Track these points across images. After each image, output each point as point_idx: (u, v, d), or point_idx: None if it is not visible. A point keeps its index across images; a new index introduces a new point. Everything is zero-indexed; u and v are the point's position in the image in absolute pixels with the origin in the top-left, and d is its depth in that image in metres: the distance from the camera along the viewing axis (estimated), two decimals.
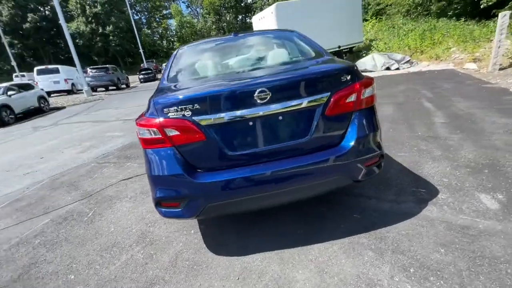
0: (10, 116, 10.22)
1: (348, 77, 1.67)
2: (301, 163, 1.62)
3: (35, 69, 15.35)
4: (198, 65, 2.19)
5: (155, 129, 1.55)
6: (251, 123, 1.58)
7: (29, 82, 13.21)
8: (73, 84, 15.90)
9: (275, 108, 1.56)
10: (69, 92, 16.13)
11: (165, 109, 1.54)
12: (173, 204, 1.63)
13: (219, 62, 2.28)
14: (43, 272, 1.94)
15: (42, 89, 12.82)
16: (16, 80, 20.21)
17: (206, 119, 1.54)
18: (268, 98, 1.53)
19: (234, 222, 2.18)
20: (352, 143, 1.67)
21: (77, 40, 37.14)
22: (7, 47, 26.64)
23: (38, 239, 2.34)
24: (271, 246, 1.87)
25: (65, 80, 15.48)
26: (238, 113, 1.54)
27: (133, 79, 26.09)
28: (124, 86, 18.85)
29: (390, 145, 3.17)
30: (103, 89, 17.25)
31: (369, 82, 1.74)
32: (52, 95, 16.31)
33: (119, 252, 2.04)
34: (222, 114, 1.54)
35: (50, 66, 15.77)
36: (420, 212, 1.99)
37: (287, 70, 1.89)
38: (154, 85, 17.56)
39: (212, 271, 1.73)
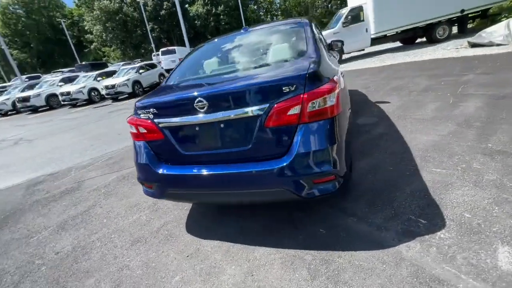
0: (139, 90, 13.46)
1: (292, 88, 1.53)
2: (241, 169, 1.68)
3: (160, 50, 19.24)
4: (188, 69, 2.42)
5: (133, 126, 1.96)
6: (197, 129, 1.75)
7: (153, 62, 16.74)
8: None
9: (214, 117, 1.65)
10: None
11: (138, 110, 1.91)
12: (148, 186, 2.05)
13: (205, 65, 2.44)
14: (95, 213, 2.85)
15: (162, 67, 16.05)
16: (154, 59, 25.67)
17: (163, 122, 1.81)
18: (205, 107, 1.64)
19: (220, 210, 2.44)
20: (293, 158, 1.57)
21: (196, 22, 42.96)
22: (149, 32, 34.09)
23: (103, 190, 3.36)
24: (230, 238, 2.05)
25: (179, 59, 18.69)
26: (185, 119, 1.73)
27: None
28: None
29: (431, 156, 2.54)
30: None
31: (321, 92, 1.53)
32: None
33: (135, 211, 2.71)
34: (173, 119, 1.77)
35: (170, 48, 19.33)
36: (395, 246, 1.67)
37: (237, 78, 1.94)
38: None
39: (176, 244, 2.11)
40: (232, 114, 1.62)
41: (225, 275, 1.73)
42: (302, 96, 1.52)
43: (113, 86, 12.62)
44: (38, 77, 22.23)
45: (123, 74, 13.71)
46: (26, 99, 13.82)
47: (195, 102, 1.65)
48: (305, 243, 1.84)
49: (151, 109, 1.82)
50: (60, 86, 14.63)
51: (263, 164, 1.66)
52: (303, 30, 2.29)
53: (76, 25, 51.23)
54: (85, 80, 14.08)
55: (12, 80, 25.67)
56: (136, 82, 13.24)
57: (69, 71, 22.46)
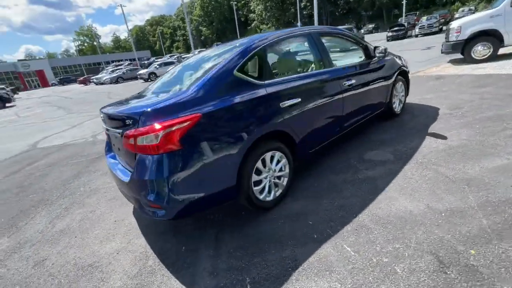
0: None
1: (130, 122, 1.72)
2: (121, 174, 2.08)
3: None
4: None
5: None
6: (109, 135, 2.27)
7: None
8: None
9: (109, 129, 2.11)
10: None
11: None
12: None
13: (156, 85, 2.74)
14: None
15: None
16: None
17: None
18: (105, 122, 2.11)
19: None
20: (129, 178, 1.83)
21: None
22: (298, 11, 35.22)
23: None
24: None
25: None
26: (104, 126, 2.28)
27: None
28: None
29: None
30: None
31: (144, 131, 1.63)
32: None
33: None
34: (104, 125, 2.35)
35: None
36: None
37: (130, 102, 2.24)
38: (394, 45, 16.05)
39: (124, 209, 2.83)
40: (113, 131, 2.02)
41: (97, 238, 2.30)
42: (134, 130, 1.70)
43: None
44: None
45: None
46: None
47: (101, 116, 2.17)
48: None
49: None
50: None
51: (125, 174, 2.00)
52: (228, 57, 2.15)
53: (246, 5, 59.93)
54: None
55: (191, 52, 34.10)
56: None
57: None
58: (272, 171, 2.26)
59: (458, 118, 3.54)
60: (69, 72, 48.19)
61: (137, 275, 1.87)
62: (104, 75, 28.44)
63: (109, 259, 2.08)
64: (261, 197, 2.20)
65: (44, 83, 45.67)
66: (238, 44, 2.38)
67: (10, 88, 23.78)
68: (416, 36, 22.74)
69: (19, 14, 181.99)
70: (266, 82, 2.18)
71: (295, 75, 2.44)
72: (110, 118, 2.03)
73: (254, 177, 2.12)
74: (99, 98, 15.02)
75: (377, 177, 2.53)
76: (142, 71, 22.43)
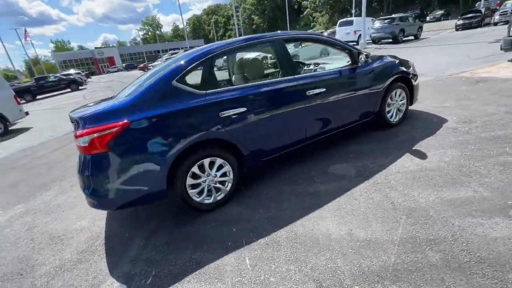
0: None
1: (77, 125, 2.01)
2: None
3: (339, 21, 18.48)
4: None
5: None
6: None
7: None
8: (359, 36, 17.32)
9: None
10: (357, 43, 17.94)
11: None
12: None
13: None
14: None
15: None
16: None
17: None
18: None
19: None
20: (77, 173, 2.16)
21: None
22: None
23: None
24: None
25: (354, 31, 17.26)
26: None
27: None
28: (413, 38, 16.81)
29: None
30: (389, 41, 16.83)
31: (80, 134, 1.90)
32: None
33: None
34: None
35: (349, 18, 18.05)
36: None
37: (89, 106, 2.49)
38: (460, 36, 13.89)
39: None
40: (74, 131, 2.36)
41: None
42: (76, 132, 2.00)
43: None
44: None
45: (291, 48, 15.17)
46: None
47: None
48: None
49: None
50: None
51: None
52: (171, 67, 2.27)
53: None
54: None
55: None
56: (293, 56, 14.33)
57: None
58: (212, 176, 2.39)
59: (459, 135, 3.09)
60: (134, 59, 53.77)
61: (83, 251, 2.25)
62: (159, 62, 31.01)
63: (73, 234, 2.52)
64: (198, 199, 2.37)
65: None
66: (187, 54, 2.50)
67: (85, 73, 27.77)
68: (495, 24, 19.11)
69: (101, 6, 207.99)
70: (208, 91, 2.29)
71: (241, 85, 2.48)
72: (71, 120, 2.36)
73: (191, 181, 2.29)
74: None
75: (325, 192, 2.45)
76: None
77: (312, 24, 52.28)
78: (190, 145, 2.18)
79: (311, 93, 2.72)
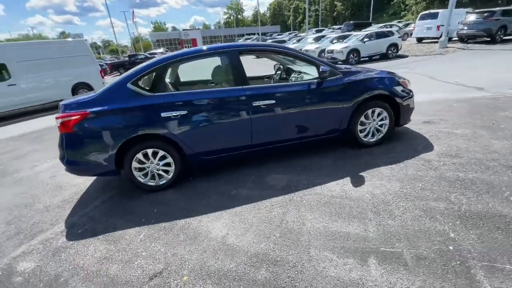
0: (354, 59, 13.52)
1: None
2: None
3: (420, 14, 15.90)
4: None
5: None
6: None
7: (392, 29, 14.76)
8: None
9: None
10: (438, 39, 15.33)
11: None
12: None
13: None
14: None
15: (399, 37, 14.06)
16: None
17: None
18: None
19: None
20: None
21: None
22: None
23: None
24: None
25: (438, 26, 14.70)
26: None
27: None
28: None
29: None
30: (483, 40, 13.80)
31: (58, 117, 2.61)
32: (423, 41, 16.65)
33: None
34: None
35: (434, 11, 15.32)
36: None
37: None
38: None
39: None
40: None
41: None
42: (58, 115, 2.74)
43: (331, 52, 13.84)
44: (321, 31, 27.49)
45: (353, 40, 14.14)
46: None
47: None
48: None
49: None
50: (333, 43, 16.61)
51: None
52: (131, 71, 2.76)
53: None
54: (350, 40, 14.47)
55: (307, 31, 32.99)
56: (354, 51, 13.35)
57: (338, 28, 25.45)
58: (155, 164, 2.89)
59: (423, 169, 2.77)
60: (212, 42, 58.04)
61: (65, 200, 3.10)
62: None
63: (70, 187, 3.42)
64: (142, 180, 2.92)
65: None
66: (149, 61, 2.97)
67: (167, 52, 31.72)
68: None
69: None
70: (156, 94, 2.74)
71: (185, 91, 2.83)
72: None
73: (136, 165, 2.85)
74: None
75: (244, 197, 2.68)
76: None
77: (402, 13, 45.98)
78: (134, 136, 2.71)
79: (258, 103, 2.88)
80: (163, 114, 2.72)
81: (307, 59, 3.13)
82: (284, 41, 22.99)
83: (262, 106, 2.90)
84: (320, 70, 2.93)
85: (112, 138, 2.68)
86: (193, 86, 3.39)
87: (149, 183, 2.96)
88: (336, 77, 3.10)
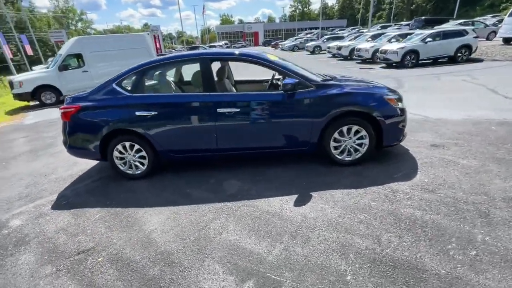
0: (411, 61, 12.02)
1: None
2: None
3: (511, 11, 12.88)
4: None
5: None
6: None
7: (465, 28, 12.40)
8: None
9: None
10: None
11: None
12: None
13: None
14: None
15: (474, 37, 11.87)
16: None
17: None
18: None
19: None
20: None
21: None
22: None
23: None
24: None
25: None
26: None
27: None
28: None
29: None
30: None
31: (61, 108, 3.19)
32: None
33: None
34: None
35: None
36: None
37: None
38: None
39: None
40: None
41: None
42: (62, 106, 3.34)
43: (384, 52, 12.59)
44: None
45: (414, 39, 12.57)
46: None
47: None
48: None
49: None
50: (391, 42, 14.12)
51: None
52: (117, 73, 3.14)
53: None
54: (410, 39, 12.55)
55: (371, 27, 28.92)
56: (412, 52, 11.88)
57: (406, 25, 22.56)
58: (132, 156, 3.29)
59: (381, 200, 2.48)
60: (274, 36, 58.15)
61: (70, 175, 3.78)
62: (287, 42, 32.48)
63: (81, 163, 4.14)
64: (122, 168, 3.37)
65: (256, 43, 58.49)
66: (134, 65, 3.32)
67: (226, 46, 33.30)
68: None
69: None
70: (133, 95, 3.11)
71: (156, 94, 3.13)
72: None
73: (117, 154, 3.29)
74: None
75: (186, 197, 2.87)
76: (309, 44, 23.81)
77: (503, 5, 38.02)
78: (113, 129, 3.14)
79: (222, 111, 2.98)
80: (137, 113, 3.07)
81: (276, 69, 3.07)
82: (342, 37, 21.64)
83: (227, 113, 3.00)
84: (283, 82, 2.85)
85: (97, 130, 3.16)
86: (185, 88, 3.68)
87: (128, 172, 3.39)
88: (308, 90, 2.96)
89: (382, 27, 25.14)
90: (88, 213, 2.80)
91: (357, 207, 2.41)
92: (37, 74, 10.80)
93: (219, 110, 3.00)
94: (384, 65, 13.05)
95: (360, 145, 3.10)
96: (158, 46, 29.05)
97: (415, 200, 2.45)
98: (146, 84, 3.35)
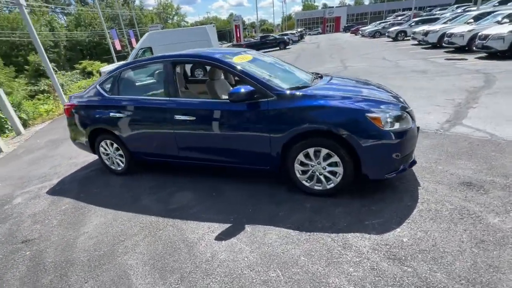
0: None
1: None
2: None
3: None
4: None
5: None
6: None
7: None
8: None
9: None
10: None
11: None
12: None
13: None
14: None
15: None
16: None
17: None
18: None
19: None
20: None
21: None
22: None
23: None
24: None
25: None
26: None
27: None
28: None
29: None
30: None
31: (65, 105, 3.62)
32: None
33: None
34: None
35: None
36: None
37: None
38: None
39: None
40: None
41: None
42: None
43: (485, 38, 9.65)
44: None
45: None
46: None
47: None
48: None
49: None
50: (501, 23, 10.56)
51: None
52: (104, 76, 3.25)
53: None
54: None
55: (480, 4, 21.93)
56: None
57: None
58: (112, 153, 3.50)
59: (335, 264, 1.85)
60: (359, 20, 52.21)
61: (72, 164, 4.33)
62: (369, 28, 28.83)
63: (82, 156, 4.69)
64: (107, 163, 3.64)
65: (337, 29, 54.00)
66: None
67: (298, 35, 32.04)
68: None
69: None
70: (111, 96, 3.24)
71: (124, 96, 3.15)
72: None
73: (103, 150, 3.56)
74: (330, 52, 16.65)
75: (137, 203, 2.84)
76: (391, 29, 20.33)
77: None
78: (96, 128, 3.38)
79: (178, 118, 2.79)
80: (111, 114, 3.20)
81: (235, 74, 2.61)
82: (435, 20, 17.60)
83: (184, 121, 2.79)
84: (230, 91, 2.40)
85: (85, 127, 3.48)
86: (132, 92, 3.62)
87: (112, 167, 3.64)
88: (267, 100, 2.44)
89: (500, 3, 19.12)
90: (60, 203, 3.13)
91: (279, 259, 1.88)
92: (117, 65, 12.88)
93: (176, 117, 2.81)
94: (483, 54, 10.05)
95: (333, 173, 2.41)
96: (238, 35, 30.37)
97: (363, 267, 1.73)
98: (135, 85, 3.54)
